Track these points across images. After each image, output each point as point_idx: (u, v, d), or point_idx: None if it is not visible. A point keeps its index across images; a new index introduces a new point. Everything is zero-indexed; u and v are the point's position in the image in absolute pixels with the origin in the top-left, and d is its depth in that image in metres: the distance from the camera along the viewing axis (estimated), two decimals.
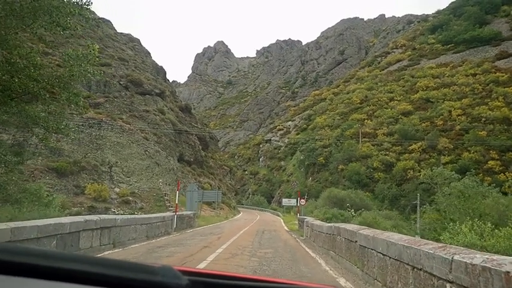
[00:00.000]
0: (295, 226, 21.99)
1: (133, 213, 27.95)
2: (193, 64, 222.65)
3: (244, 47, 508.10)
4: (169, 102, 50.08)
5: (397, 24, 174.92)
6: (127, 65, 48.09)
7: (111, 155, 35.07)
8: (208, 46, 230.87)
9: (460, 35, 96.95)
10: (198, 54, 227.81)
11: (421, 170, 50.03)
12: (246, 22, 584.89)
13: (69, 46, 47.32)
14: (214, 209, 37.96)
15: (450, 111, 61.15)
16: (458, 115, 59.18)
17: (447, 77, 77.07)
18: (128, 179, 34.35)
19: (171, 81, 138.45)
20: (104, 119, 37.40)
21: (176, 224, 13.67)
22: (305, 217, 17.89)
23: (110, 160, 34.56)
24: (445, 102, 64.78)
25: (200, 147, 49.40)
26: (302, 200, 26.09)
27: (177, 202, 15.23)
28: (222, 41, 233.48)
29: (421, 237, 19.10)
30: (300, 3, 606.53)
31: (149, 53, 61.94)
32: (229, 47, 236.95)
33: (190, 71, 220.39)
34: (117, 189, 32.27)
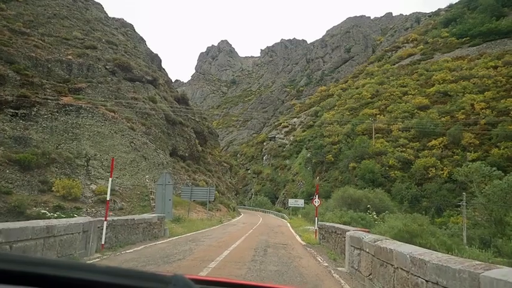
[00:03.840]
0: (311, 235, 16.09)
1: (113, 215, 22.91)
2: (197, 63, 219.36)
3: (248, 46, 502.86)
4: (163, 91, 45.08)
5: (404, 22, 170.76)
6: (116, 49, 43.16)
7: (90, 147, 30.05)
8: (212, 45, 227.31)
9: (475, 28, 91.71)
10: (201, 54, 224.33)
11: (444, 167, 44.81)
12: (250, 21, 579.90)
13: (50, 27, 42.60)
14: (211, 210, 32.80)
15: (472, 105, 55.68)
16: (482, 108, 53.69)
17: (465, 69, 71.62)
18: (108, 174, 29.26)
19: (173, 80, 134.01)
20: (83, 105, 32.42)
21: (116, 237, 8.32)
22: (342, 226, 10.76)
23: (88, 152, 29.54)
24: (466, 95, 59.35)
25: (197, 141, 44.34)
26: (316, 199, 20.76)
27: (108, 197, 9.79)
28: (226, 40, 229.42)
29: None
30: (305, 3, 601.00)
31: (143, 40, 56.97)
32: (233, 46, 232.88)
33: (193, 71, 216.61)
34: (93, 186, 27.23)
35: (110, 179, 9.08)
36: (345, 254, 8.10)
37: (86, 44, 40.25)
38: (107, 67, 38.70)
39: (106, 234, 8.04)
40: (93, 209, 25.12)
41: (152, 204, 27.27)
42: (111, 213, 25.14)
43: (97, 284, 0.81)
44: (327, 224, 13.12)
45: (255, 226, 24.30)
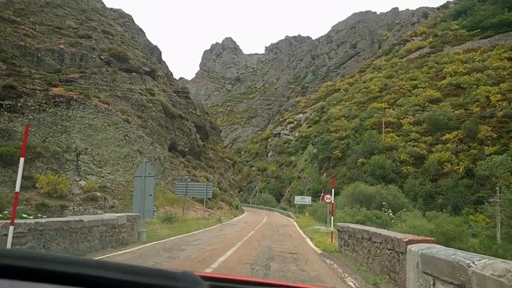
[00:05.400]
0: (325, 238, 13.14)
1: (100, 213, 20.66)
2: (201, 61, 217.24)
3: (252, 44, 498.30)
4: (162, 83, 42.86)
5: (411, 17, 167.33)
6: (112, 39, 40.98)
7: (80, 140, 27.92)
8: (216, 43, 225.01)
9: (487, 20, 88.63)
10: (206, 51, 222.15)
11: (460, 162, 42.20)
12: (254, 18, 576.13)
13: (42, 16, 40.49)
14: (211, 208, 30.50)
15: (488, 97, 52.87)
16: (498, 100, 50.87)
17: (478, 61, 68.69)
18: (100, 169, 27.15)
19: (178, 78, 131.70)
20: (75, 96, 30.25)
21: (47, 248, 5.04)
22: (384, 232, 7.55)
23: (78, 146, 27.41)
24: (480, 87, 56.52)
25: (198, 136, 42.09)
26: (328, 195, 18.30)
27: (17, 188, 6.85)
28: (231, 38, 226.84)
29: None
30: None
31: (142, 31, 54.66)
32: (237, 43, 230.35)
33: (198, 68, 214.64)
34: (82, 183, 25.06)
35: (22, 159, 6.63)
36: (389, 275, 5.44)
37: (79, 33, 38.12)
38: (102, 57, 36.58)
39: (26, 244, 5.55)
40: (81, 207, 23.01)
41: None
42: (99, 212, 22.98)
43: (106, 281, 0.80)
44: (353, 226, 9.65)
45: (258, 226, 21.75)
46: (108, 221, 8.65)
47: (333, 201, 14.09)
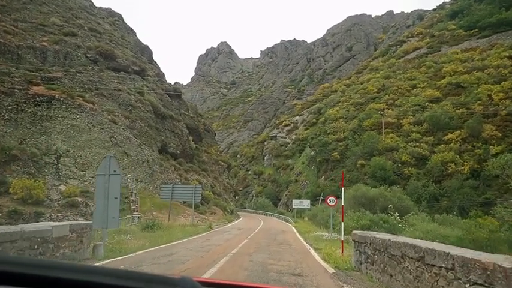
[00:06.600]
0: (332, 248, 11.05)
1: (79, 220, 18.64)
2: (197, 65, 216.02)
3: (248, 48, 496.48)
4: (153, 83, 40.96)
5: (406, 20, 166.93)
6: (99, 37, 39.08)
7: (61, 142, 25.93)
8: (212, 47, 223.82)
9: (484, 19, 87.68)
10: (201, 56, 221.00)
11: (465, 163, 40.48)
12: (249, 23, 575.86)
13: (25, 13, 38.59)
14: (203, 213, 28.50)
15: (490, 95, 51.37)
16: (501, 99, 49.37)
17: (477, 60, 67.37)
18: (82, 173, 25.15)
19: (173, 83, 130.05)
20: (57, 96, 28.29)
21: None
22: (455, 250, 4.33)
23: (59, 148, 25.41)
24: (481, 85, 55.04)
25: (190, 137, 40.16)
26: (331, 197, 16.47)
27: None
28: (226, 42, 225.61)
29: None
30: (305, 3, 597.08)
31: (132, 30, 52.73)
32: (232, 47, 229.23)
33: (193, 73, 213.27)
34: (62, 187, 23.03)
35: None
36: None
37: (64, 30, 36.22)
38: (88, 55, 34.68)
39: None
40: (60, 214, 20.97)
41: (132, 208, 23.13)
42: (81, 219, 20.96)
43: (106, 287, 0.81)
44: (383, 237, 6.73)
45: (253, 233, 19.50)
46: (32, 234, 6.15)
47: (343, 203, 12.10)
